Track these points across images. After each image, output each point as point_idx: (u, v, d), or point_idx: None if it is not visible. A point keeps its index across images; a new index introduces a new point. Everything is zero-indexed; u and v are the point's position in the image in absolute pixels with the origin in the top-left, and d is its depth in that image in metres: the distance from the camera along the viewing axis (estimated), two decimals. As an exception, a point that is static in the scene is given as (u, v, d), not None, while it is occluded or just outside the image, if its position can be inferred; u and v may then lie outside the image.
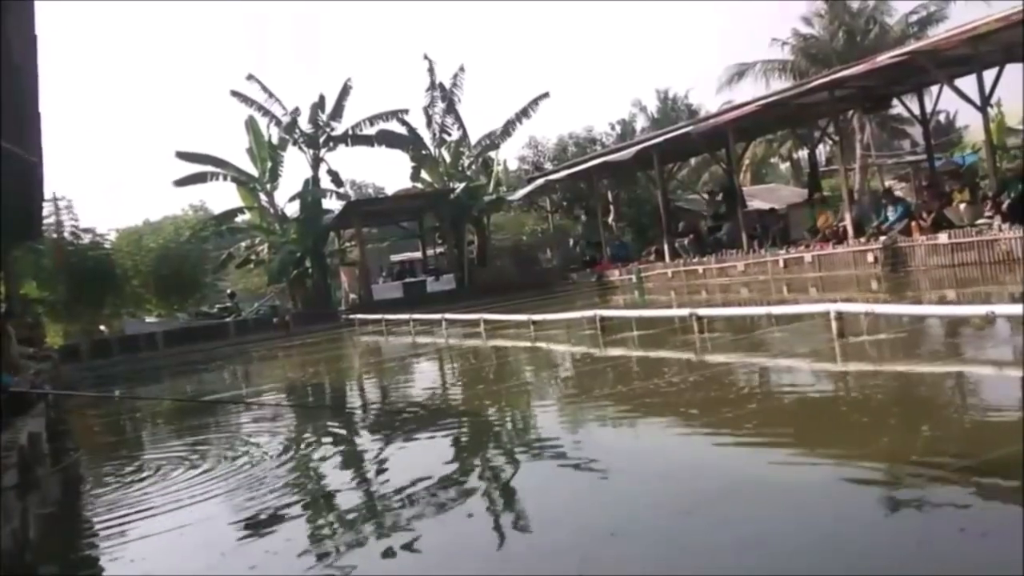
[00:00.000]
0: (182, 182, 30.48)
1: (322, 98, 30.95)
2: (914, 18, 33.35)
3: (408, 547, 4.08)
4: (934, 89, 21.49)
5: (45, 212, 23.04)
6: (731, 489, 4.34)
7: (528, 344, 12.78)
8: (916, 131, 28.52)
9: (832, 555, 3.32)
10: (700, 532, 3.78)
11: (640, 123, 50.19)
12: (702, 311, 10.60)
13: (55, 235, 26.95)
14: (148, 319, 29.20)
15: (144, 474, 6.51)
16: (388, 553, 4.04)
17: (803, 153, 34.46)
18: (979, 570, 3.03)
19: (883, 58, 18.48)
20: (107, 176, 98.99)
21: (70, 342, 25.25)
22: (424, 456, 5.97)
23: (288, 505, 5.17)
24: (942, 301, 11.31)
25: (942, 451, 4.46)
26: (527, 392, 8.94)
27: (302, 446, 7.44)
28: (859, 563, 3.18)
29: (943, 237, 15.93)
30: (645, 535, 3.81)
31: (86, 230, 28.35)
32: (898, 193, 21.34)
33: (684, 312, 10.82)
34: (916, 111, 22.79)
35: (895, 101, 23.80)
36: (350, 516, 4.81)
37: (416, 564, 3.90)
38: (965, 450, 4.39)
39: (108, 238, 29.43)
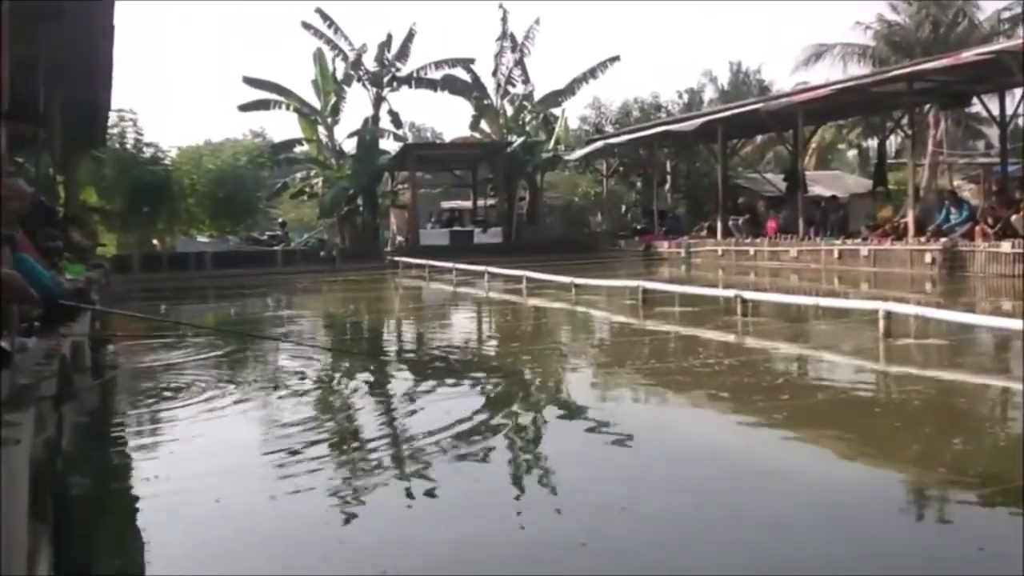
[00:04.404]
0: (246, 107, 30.73)
1: (389, 37, 30.89)
2: (1007, 15, 32.00)
3: (426, 492, 4.15)
4: (1017, 92, 20.71)
5: (110, 122, 23.42)
6: (750, 479, 4.32)
7: (568, 307, 12.76)
8: (993, 133, 27.51)
9: (836, 556, 3.28)
10: (710, 518, 3.76)
11: (709, 94, 49.28)
12: (748, 294, 10.46)
13: (119, 145, 27.42)
14: (199, 238, 29.72)
15: (181, 395, 6.66)
16: (407, 495, 4.11)
17: (872, 143, 33.62)
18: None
19: (968, 54, 17.80)
20: (174, 94, 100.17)
21: (122, 253, 25.81)
22: (452, 406, 6.01)
23: (315, 441, 5.25)
24: (996, 313, 11.00)
25: (971, 467, 4.37)
26: (561, 355, 8.95)
27: (336, 385, 7.56)
28: (864, 566, 3.15)
29: (1006, 246, 15.45)
30: (654, 514, 3.81)
31: (149, 144, 28.82)
32: (964, 195, 20.68)
33: (729, 293, 10.69)
34: (996, 112, 21.99)
35: (975, 100, 22.97)
36: (373, 457, 4.88)
37: (430, 509, 3.96)
38: (995, 469, 4.29)
39: (169, 154, 29.86)
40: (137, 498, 4.27)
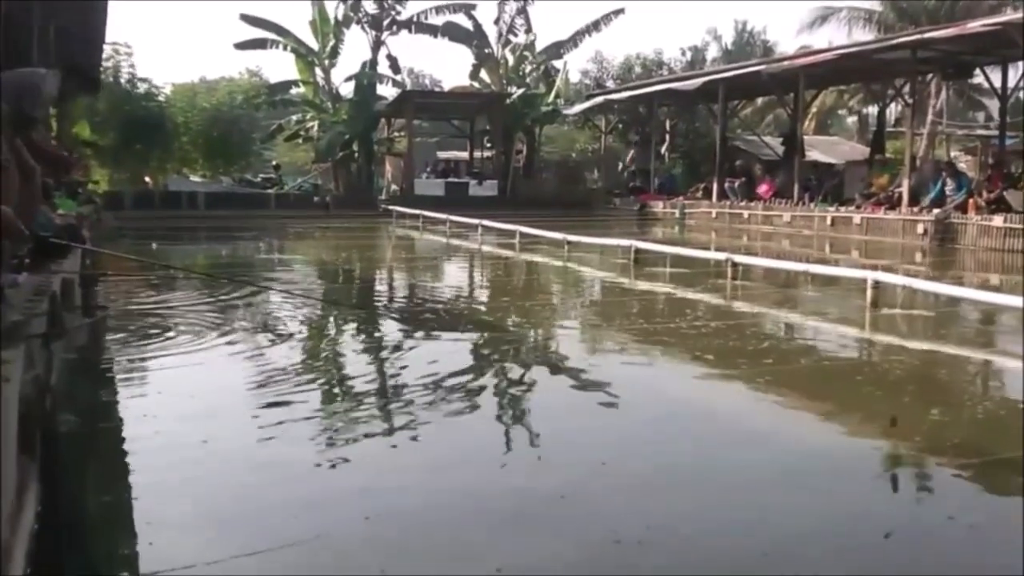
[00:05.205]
0: (242, 45, 30.28)
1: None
2: (1017, -15, 31.59)
3: (410, 440, 4.23)
4: (1020, 64, 20.59)
5: (105, 55, 23.04)
6: (729, 440, 4.41)
7: (560, 263, 12.79)
8: (994, 105, 27.40)
9: (805, 519, 3.38)
10: (686, 477, 3.84)
11: (712, 53, 48.74)
12: (739, 258, 10.50)
13: (112, 79, 27.02)
14: (192, 178, 29.50)
15: (171, 336, 6.69)
16: (391, 443, 4.19)
17: (872, 110, 33.39)
18: (954, 559, 3.06)
19: (974, 24, 17.65)
20: (170, 28, 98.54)
21: (114, 189, 25.61)
22: (440, 358, 6.05)
23: (303, 386, 5.31)
24: (984, 286, 11.08)
25: (947, 438, 4.45)
26: (551, 310, 9.01)
27: (325, 333, 7.61)
28: (834, 529, 3.23)
29: (998, 220, 15.51)
30: (633, 470, 3.88)
31: (143, 79, 28.43)
32: (961, 167, 20.65)
33: (721, 256, 10.73)
34: (998, 84, 21.88)
35: (977, 71, 22.83)
36: (359, 404, 4.94)
37: (414, 457, 4.03)
38: (971, 441, 4.38)
39: (163, 91, 29.48)
40: (125, 437, 4.32)
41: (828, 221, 19.35)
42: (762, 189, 23.05)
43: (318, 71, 30.71)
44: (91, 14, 14.03)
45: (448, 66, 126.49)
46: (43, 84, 4.37)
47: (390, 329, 7.91)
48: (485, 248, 15.69)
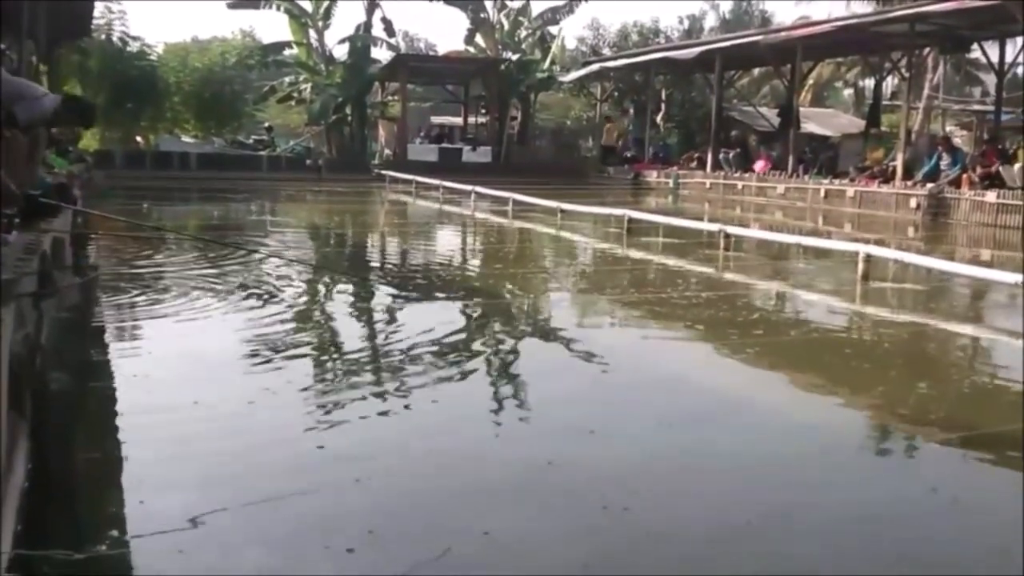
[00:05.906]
0: (235, 5, 29.84)
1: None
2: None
3: (401, 404, 4.25)
4: (1018, 40, 20.50)
5: (96, 12, 22.70)
6: (715, 409, 4.44)
7: (553, 231, 12.78)
8: (990, 80, 27.27)
9: (786, 489, 3.41)
10: (672, 445, 3.87)
11: (710, 21, 48.39)
12: (732, 229, 10.51)
13: (104, 38, 26.66)
14: (184, 139, 29.22)
15: (162, 297, 6.67)
16: (382, 406, 4.20)
17: (869, 83, 33.23)
18: (929, 528, 3.11)
19: (973, -2, 17.51)
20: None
21: (105, 148, 25.37)
22: (430, 325, 6.05)
23: (294, 350, 5.32)
24: (975, 261, 11.12)
25: (933, 411, 4.49)
26: (543, 278, 9.01)
27: (316, 297, 7.60)
28: (818, 498, 3.27)
29: (991, 195, 15.52)
30: (620, 439, 3.91)
31: (135, 38, 28.05)
32: (956, 142, 20.59)
33: (714, 227, 10.73)
34: (995, 59, 21.79)
35: (975, 46, 22.70)
36: (351, 368, 4.96)
37: (405, 421, 4.05)
38: (956, 415, 4.42)
39: (155, 50, 29.10)
40: (115, 396, 4.32)
41: (822, 194, 19.32)
42: (758, 166, 22.95)
43: (311, 33, 30.30)
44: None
45: (443, 30, 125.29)
46: (43, 102, 4.36)
47: (382, 294, 7.90)
48: (478, 215, 15.65)
